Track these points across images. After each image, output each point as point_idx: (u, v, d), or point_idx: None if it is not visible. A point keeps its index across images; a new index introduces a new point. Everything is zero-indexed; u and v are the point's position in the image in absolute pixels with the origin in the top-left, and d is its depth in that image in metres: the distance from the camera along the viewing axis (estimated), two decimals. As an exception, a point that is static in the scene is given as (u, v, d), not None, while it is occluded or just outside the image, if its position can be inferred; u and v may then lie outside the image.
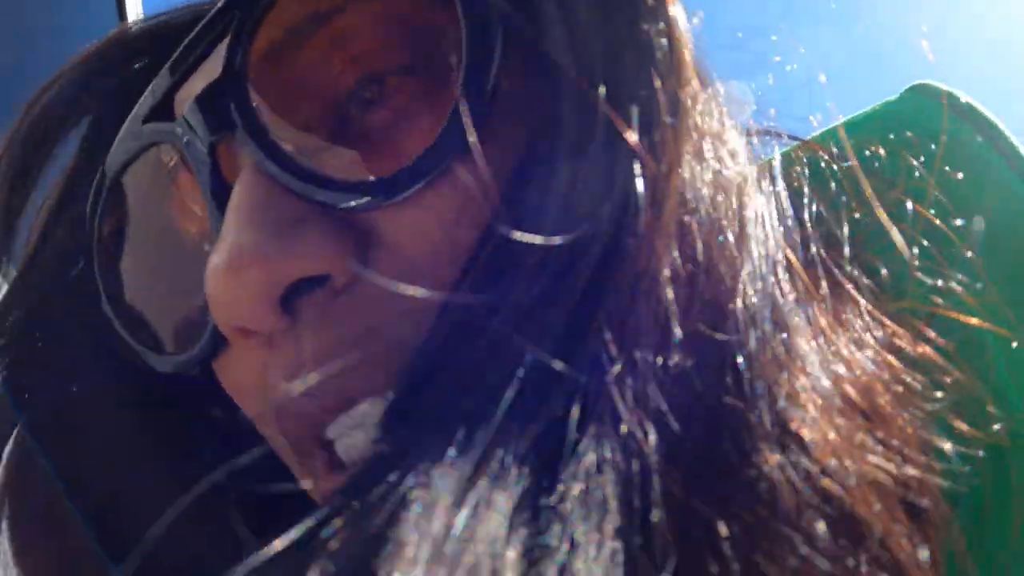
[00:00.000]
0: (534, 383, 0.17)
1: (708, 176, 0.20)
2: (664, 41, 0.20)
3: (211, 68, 0.24)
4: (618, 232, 0.18)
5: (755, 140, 0.26)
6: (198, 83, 0.24)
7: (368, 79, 0.22)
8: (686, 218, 0.19)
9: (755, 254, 0.20)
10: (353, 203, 0.21)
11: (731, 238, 0.20)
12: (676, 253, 0.18)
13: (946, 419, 0.21)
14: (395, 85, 0.22)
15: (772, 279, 0.20)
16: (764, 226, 0.20)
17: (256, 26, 0.23)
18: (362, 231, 0.22)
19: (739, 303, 0.19)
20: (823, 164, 0.26)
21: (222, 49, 0.23)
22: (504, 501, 0.15)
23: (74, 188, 0.31)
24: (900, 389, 0.21)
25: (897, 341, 0.22)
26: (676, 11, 0.20)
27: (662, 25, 0.20)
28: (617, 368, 0.17)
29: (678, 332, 0.17)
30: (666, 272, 0.18)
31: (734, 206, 0.20)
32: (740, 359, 0.18)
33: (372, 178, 0.22)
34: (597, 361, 0.17)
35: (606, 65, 0.20)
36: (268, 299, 0.21)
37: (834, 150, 0.26)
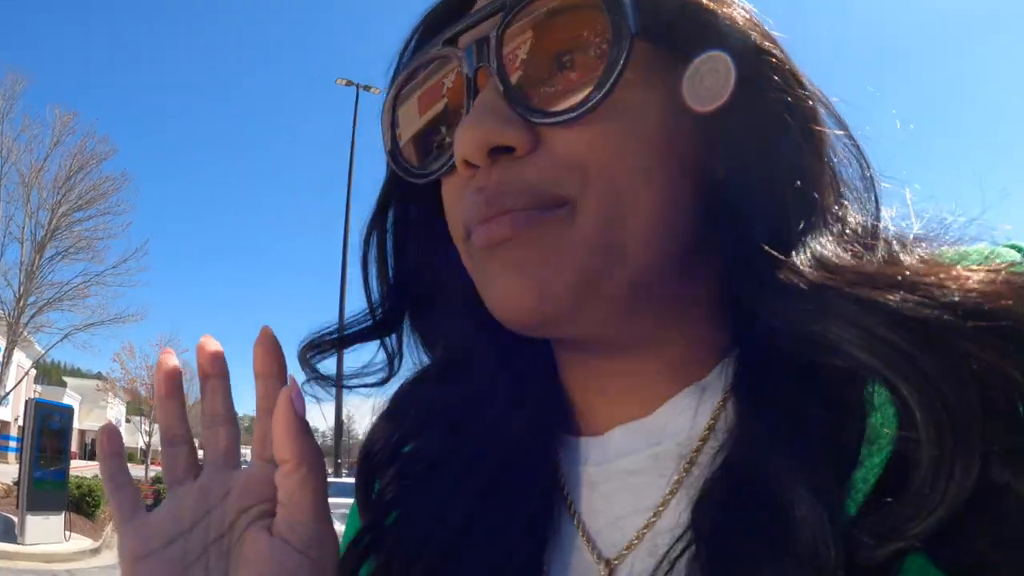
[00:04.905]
0: None
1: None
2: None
3: (485, 28, 0.43)
4: None
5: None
6: (475, 33, 0.43)
7: (564, 52, 0.41)
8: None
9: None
10: (535, 119, 0.40)
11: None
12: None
13: None
14: (572, 61, 0.41)
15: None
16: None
17: (513, 17, 0.41)
18: (537, 133, 0.41)
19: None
20: None
21: (494, 22, 0.42)
22: None
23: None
24: None
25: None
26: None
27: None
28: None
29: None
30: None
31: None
32: None
33: (548, 108, 0.40)
34: None
35: None
36: (484, 147, 0.40)
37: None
